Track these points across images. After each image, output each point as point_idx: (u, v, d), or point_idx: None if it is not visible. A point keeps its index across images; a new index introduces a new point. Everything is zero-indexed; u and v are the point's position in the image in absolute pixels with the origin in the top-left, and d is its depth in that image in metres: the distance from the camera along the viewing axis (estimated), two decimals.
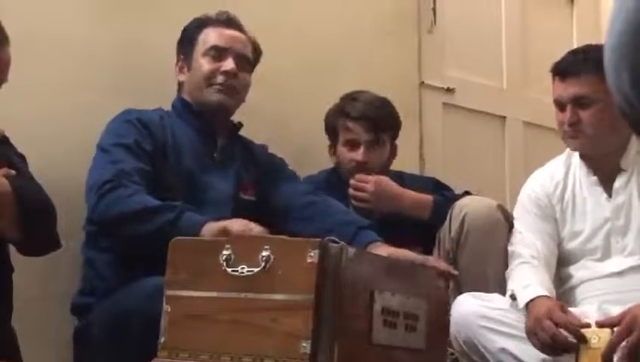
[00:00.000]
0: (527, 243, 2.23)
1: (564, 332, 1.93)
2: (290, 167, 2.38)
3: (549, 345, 1.95)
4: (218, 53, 2.21)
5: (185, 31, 2.29)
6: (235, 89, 2.22)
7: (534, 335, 1.98)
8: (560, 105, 2.23)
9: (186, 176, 2.13)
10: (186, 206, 1.93)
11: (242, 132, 2.34)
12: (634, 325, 1.86)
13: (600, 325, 1.92)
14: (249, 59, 2.28)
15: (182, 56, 2.26)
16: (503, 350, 2.08)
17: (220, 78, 2.19)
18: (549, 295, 2.06)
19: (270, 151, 2.40)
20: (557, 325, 1.94)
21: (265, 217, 2.28)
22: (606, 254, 2.21)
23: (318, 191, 2.33)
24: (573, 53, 2.29)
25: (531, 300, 2.04)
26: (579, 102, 2.18)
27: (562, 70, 2.23)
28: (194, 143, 2.20)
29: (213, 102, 2.20)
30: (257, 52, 2.33)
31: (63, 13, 2.34)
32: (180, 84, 2.27)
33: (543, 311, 1.98)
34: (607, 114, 2.12)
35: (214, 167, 2.21)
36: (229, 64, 2.20)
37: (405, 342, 1.59)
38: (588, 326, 1.93)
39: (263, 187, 2.28)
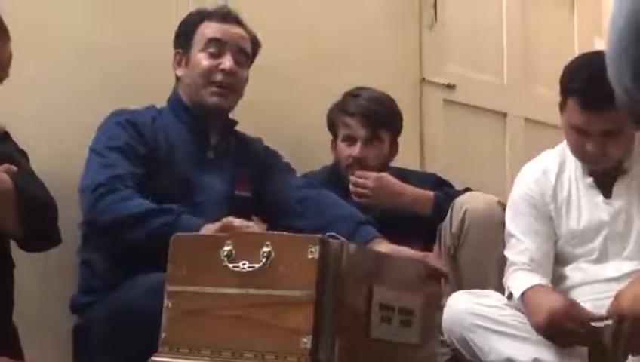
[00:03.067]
0: (522, 249, 2.19)
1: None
2: (284, 160, 2.37)
3: (569, 341, 1.98)
4: (216, 48, 2.18)
5: (183, 24, 2.26)
6: (234, 88, 2.20)
7: (551, 330, 1.99)
8: (583, 132, 2.08)
9: (180, 177, 2.11)
10: (181, 208, 1.92)
11: (242, 125, 2.32)
12: (621, 315, 1.88)
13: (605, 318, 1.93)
14: (247, 54, 2.25)
15: (179, 50, 2.23)
16: (495, 349, 2.08)
17: (218, 77, 2.16)
18: (544, 284, 2.07)
19: (270, 146, 2.38)
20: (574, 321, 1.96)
21: (261, 212, 2.29)
22: (603, 257, 2.17)
23: (313, 183, 2.33)
24: (601, 81, 2.04)
25: (528, 289, 2.05)
26: (607, 133, 2.05)
27: (589, 102, 2.03)
28: (187, 142, 2.17)
29: (211, 105, 2.17)
30: (255, 46, 2.30)
31: (64, 9, 2.34)
32: (178, 78, 2.24)
33: (558, 306, 1.98)
34: (629, 136, 2.05)
35: (208, 166, 2.19)
36: (227, 62, 2.17)
37: (401, 337, 1.60)
38: (602, 319, 1.94)
39: (257, 181, 2.27)
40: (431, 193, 2.47)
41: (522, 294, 2.06)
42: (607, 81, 2.02)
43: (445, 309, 2.13)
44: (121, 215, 1.92)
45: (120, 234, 1.94)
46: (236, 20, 2.25)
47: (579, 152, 2.14)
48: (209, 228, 1.79)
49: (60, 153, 2.21)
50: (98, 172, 1.99)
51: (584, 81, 2.03)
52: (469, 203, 2.34)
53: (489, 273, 2.29)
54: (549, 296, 2.04)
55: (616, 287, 2.06)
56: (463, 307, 2.12)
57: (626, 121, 1.99)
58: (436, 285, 1.78)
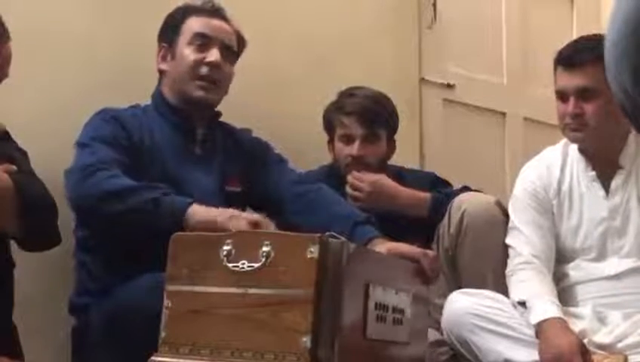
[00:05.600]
0: (526, 240, 2.22)
1: None
2: (276, 150, 2.34)
3: None
4: (203, 42, 2.17)
5: (168, 18, 2.25)
6: (219, 82, 2.18)
7: None
8: (563, 96, 2.20)
9: (167, 174, 2.08)
10: (170, 189, 1.91)
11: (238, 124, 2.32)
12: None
13: None
14: (234, 50, 2.25)
15: (164, 45, 2.22)
16: (494, 350, 2.09)
17: (204, 70, 2.15)
18: (562, 316, 2.06)
19: (259, 137, 2.36)
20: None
21: (254, 207, 2.27)
22: (601, 255, 2.20)
23: (312, 179, 2.32)
24: (578, 42, 2.25)
25: (544, 321, 2.04)
26: (583, 94, 2.15)
27: (567, 60, 2.19)
28: (172, 139, 2.16)
29: (196, 99, 2.16)
30: (241, 43, 2.29)
31: (64, 9, 2.34)
32: (162, 73, 2.22)
33: (566, 347, 1.98)
34: (610, 106, 2.08)
35: (196, 162, 2.17)
36: (213, 54, 2.16)
37: (393, 335, 1.62)
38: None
39: (248, 175, 2.25)
40: (427, 195, 2.45)
41: (538, 323, 2.05)
42: (583, 43, 2.20)
43: (445, 309, 2.14)
44: (105, 189, 1.89)
45: (102, 209, 1.90)
46: (223, 16, 2.24)
47: (561, 120, 2.21)
48: (199, 215, 1.82)
49: (60, 153, 2.20)
50: (84, 157, 1.99)
51: (563, 47, 2.23)
52: (468, 203, 2.33)
53: (488, 274, 2.29)
54: (561, 335, 2.02)
55: (616, 285, 2.08)
56: (463, 307, 2.12)
57: (604, 84, 2.02)
58: (424, 286, 1.80)
